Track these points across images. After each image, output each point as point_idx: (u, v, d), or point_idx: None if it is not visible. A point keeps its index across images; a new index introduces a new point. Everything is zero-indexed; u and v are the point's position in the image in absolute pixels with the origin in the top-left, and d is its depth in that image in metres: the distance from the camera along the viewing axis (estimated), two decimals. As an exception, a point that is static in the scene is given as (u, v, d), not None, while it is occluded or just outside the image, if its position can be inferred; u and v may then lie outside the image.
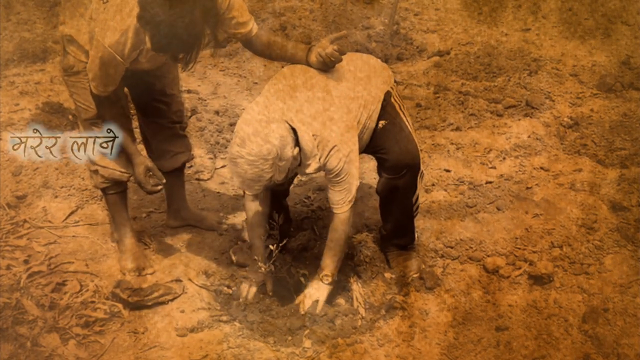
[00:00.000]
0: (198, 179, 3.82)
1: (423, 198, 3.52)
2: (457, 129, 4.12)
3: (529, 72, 4.70)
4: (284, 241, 2.94)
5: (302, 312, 2.83)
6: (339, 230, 2.81)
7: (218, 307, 2.97)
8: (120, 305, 2.93)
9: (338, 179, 2.68)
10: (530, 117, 4.22)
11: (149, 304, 2.96)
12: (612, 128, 4.05)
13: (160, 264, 3.22)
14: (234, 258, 3.21)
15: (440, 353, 2.74)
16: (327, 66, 2.70)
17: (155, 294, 2.98)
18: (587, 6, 5.50)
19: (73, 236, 3.37)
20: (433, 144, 3.99)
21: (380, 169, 2.93)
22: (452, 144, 4.00)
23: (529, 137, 4.03)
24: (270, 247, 2.85)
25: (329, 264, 2.87)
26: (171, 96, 3.12)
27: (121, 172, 3.02)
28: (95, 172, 3.03)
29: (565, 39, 5.21)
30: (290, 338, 2.76)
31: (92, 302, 2.94)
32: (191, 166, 3.85)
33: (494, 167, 3.78)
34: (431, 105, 4.38)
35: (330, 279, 2.88)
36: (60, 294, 2.97)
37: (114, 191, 3.10)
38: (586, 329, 2.80)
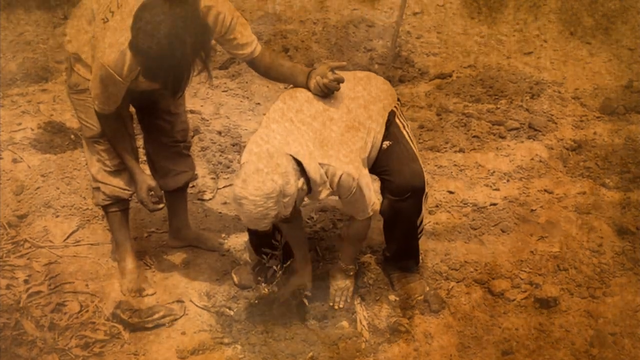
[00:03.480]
0: (200, 199, 3.80)
1: (427, 220, 3.49)
2: (461, 150, 4.11)
3: (531, 95, 4.70)
4: (288, 262, 2.91)
5: (337, 308, 3.00)
6: (360, 229, 2.92)
7: (219, 329, 2.93)
8: (120, 327, 2.90)
9: (351, 199, 2.67)
10: (533, 140, 4.21)
11: (150, 325, 2.92)
12: (615, 151, 4.04)
13: (161, 284, 3.18)
14: (235, 279, 3.18)
15: (446, 377, 2.71)
16: (325, 94, 2.72)
17: (156, 316, 2.95)
18: (590, 12, 5.53)
19: (74, 256, 3.34)
20: (436, 166, 3.97)
21: (385, 190, 2.91)
22: (455, 165, 3.99)
23: (532, 159, 4.02)
24: (274, 267, 2.83)
25: (350, 257, 3.04)
26: (175, 115, 3.12)
27: (123, 189, 3.00)
28: (97, 189, 3.02)
29: (566, 63, 5.23)
30: (293, 361, 2.73)
31: (92, 322, 2.91)
32: (193, 186, 3.83)
33: (498, 189, 3.76)
34: (434, 127, 4.37)
35: (354, 270, 3.07)
36: (60, 314, 2.94)
37: (116, 209, 3.08)
38: (593, 353, 2.77)
